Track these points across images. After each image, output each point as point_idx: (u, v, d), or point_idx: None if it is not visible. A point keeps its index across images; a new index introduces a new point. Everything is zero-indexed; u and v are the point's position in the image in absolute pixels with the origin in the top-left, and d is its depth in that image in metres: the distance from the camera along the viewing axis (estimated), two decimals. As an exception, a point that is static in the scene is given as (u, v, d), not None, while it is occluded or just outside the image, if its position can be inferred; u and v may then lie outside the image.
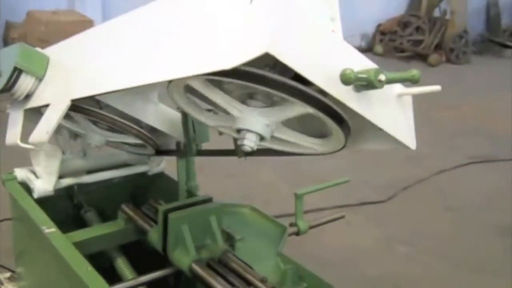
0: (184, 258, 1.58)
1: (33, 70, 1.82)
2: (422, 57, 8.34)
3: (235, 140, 1.61)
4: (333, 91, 1.04)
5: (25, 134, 1.77)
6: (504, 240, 3.28)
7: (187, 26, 1.20)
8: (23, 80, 1.82)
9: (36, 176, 1.88)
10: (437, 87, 1.20)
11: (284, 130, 1.28)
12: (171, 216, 1.59)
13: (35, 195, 1.83)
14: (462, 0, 8.48)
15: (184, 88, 1.30)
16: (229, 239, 1.71)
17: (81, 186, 2.04)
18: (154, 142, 1.84)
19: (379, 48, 8.63)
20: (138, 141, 1.86)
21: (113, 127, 1.79)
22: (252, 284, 1.49)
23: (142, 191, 2.14)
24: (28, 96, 1.87)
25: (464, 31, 8.53)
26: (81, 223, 2.04)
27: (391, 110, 1.18)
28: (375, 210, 3.58)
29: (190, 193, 1.98)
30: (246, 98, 1.25)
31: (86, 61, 1.61)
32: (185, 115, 1.80)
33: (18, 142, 1.86)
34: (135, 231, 1.81)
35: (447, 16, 8.55)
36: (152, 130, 1.86)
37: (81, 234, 1.75)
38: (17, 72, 1.81)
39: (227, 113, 1.28)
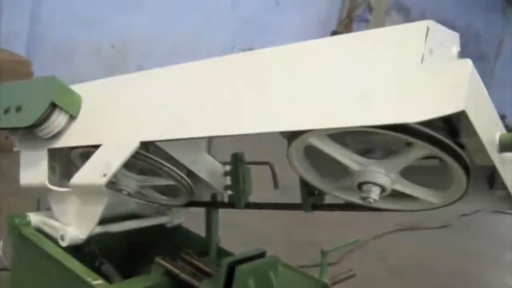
0: (249, 313, 1.52)
1: (69, 108, 1.72)
2: None
3: (304, 193, 1.61)
4: (493, 155, 1.11)
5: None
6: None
7: (325, 75, 1.21)
8: (56, 117, 1.71)
9: (60, 222, 1.72)
10: None
11: (402, 181, 1.30)
12: (239, 268, 1.53)
13: (65, 244, 1.67)
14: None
15: (304, 150, 1.30)
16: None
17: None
18: (192, 190, 1.78)
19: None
20: (171, 189, 1.79)
21: (152, 170, 1.71)
22: None
23: (158, 243, 2.03)
24: (56, 135, 1.75)
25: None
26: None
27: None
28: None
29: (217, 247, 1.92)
30: (362, 152, 1.28)
31: (162, 103, 1.54)
32: (235, 167, 1.78)
33: (47, 183, 1.72)
34: (175, 285, 1.70)
35: None
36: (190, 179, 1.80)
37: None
38: (51, 107, 1.70)
39: (342, 170, 1.30)
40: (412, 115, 1.03)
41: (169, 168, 1.66)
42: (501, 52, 14.97)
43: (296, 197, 1.64)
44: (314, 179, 1.41)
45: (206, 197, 1.91)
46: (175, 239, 2.04)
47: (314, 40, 1.27)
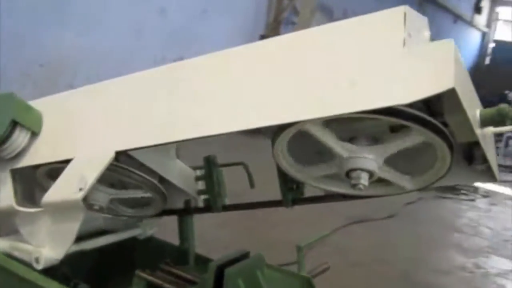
0: (243, 315, 1.51)
1: (31, 124, 1.65)
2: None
3: (284, 188, 1.62)
4: (477, 130, 1.16)
5: None
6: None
7: (310, 66, 1.23)
8: (18, 135, 1.64)
9: (32, 244, 1.64)
10: None
11: (385, 168, 1.34)
12: (228, 271, 1.52)
13: (40, 266, 1.59)
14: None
15: (287, 143, 1.31)
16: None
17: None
18: (165, 198, 1.75)
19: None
20: (143, 199, 1.76)
21: (123, 182, 1.67)
22: None
23: (132, 256, 1.97)
24: (18, 154, 1.67)
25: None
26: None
27: (492, 145, 1.33)
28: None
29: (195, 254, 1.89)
30: (348, 140, 1.30)
31: (134, 111, 1.50)
32: (209, 170, 1.76)
33: (14, 204, 1.64)
34: (159, 297, 1.66)
35: None
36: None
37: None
38: (12, 125, 1.63)
39: (330, 157, 1.32)
40: (403, 97, 1.06)
41: (142, 176, 1.63)
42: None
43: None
44: (297, 172, 1.42)
45: (178, 204, 1.88)
46: (149, 251, 1.99)
47: (295, 32, 1.28)
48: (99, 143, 1.51)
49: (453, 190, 7.04)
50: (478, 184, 7.07)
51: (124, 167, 1.60)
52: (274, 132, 1.30)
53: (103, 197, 1.70)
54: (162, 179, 1.77)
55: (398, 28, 1.13)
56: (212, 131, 1.29)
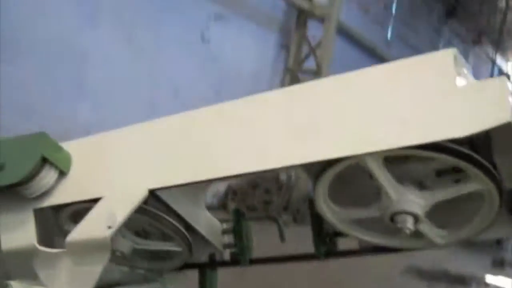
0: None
1: (60, 163, 1.63)
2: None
3: (317, 240, 1.57)
4: None
5: None
6: None
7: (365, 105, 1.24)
8: (47, 173, 1.61)
9: (49, 288, 1.55)
10: None
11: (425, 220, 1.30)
12: None
13: None
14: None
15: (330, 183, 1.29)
16: None
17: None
18: (191, 249, 1.68)
19: (232, 206, 8.92)
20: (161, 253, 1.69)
21: (146, 231, 1.62)
22: None
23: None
24: (45, 193, 1.64)
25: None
26: None
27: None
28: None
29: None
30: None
31: (170, 149, 1.48)
32: (237, 222, 1.72)
33: (36, 244, 1.58)
34: None
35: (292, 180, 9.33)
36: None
37: None
38: (41, 164, 1.60)
39: (374, 200, 1.29)
40: (457, 131, 1.06)
41: (171, 223, 1.58)
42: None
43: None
44: (334, 215, 1.38)
45: (202, 258, 1.81)
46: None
47: (348, 73, 1.30)
48: (131, 181, 1.48)
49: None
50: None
51: (154, 211, 1.56)
52: (317, 172, 1.27)
53: (127, 245, 1.65)
54: (188, 229, 1.71)
55: (450, 69, 1.16)
56: (267, 165, 1.27)
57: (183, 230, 1.61)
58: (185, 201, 1.66)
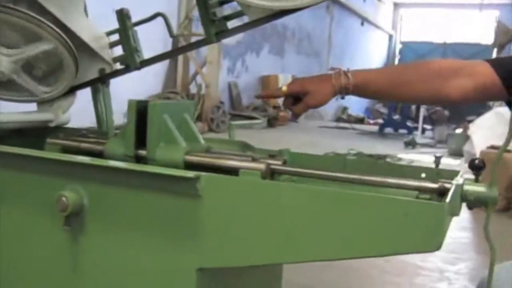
0: (174, 152, 1.32)
1: None
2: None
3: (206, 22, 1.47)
4: None
5: None
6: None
7: None
8: None
9: None
10: None
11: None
12: (152, 103, 1.33)
13: None
14: (214, 75, 9.28)
15: None
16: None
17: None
18: (76, 59, 1.55)
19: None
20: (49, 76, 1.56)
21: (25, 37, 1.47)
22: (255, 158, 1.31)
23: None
24: None
25: (221, 102, 9.26)
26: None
27: None
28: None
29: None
30: None
31: None
32: (123, 25, 1.60)
33: None
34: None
35: (203, 91, 9.21)
36: None
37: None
38: None
39: None
40: None
41: (48, 25, 1.43)
42: (331, 46, 16.07)
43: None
44: None
45: (91, 76, 1.68)
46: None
47: None
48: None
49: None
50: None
51: (24, 11, 1.40)
52: None
53: (3, 60, 1.49)
54: (70, 38, 1.56)
55: None
56: None
57: (60, 32, 1.46)
58: (65, 6, 1.51)
